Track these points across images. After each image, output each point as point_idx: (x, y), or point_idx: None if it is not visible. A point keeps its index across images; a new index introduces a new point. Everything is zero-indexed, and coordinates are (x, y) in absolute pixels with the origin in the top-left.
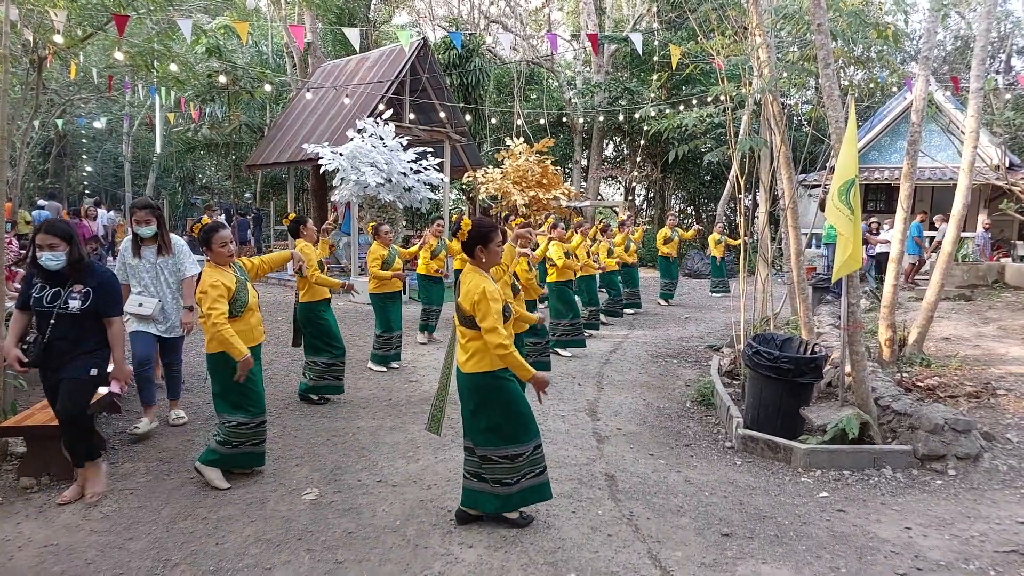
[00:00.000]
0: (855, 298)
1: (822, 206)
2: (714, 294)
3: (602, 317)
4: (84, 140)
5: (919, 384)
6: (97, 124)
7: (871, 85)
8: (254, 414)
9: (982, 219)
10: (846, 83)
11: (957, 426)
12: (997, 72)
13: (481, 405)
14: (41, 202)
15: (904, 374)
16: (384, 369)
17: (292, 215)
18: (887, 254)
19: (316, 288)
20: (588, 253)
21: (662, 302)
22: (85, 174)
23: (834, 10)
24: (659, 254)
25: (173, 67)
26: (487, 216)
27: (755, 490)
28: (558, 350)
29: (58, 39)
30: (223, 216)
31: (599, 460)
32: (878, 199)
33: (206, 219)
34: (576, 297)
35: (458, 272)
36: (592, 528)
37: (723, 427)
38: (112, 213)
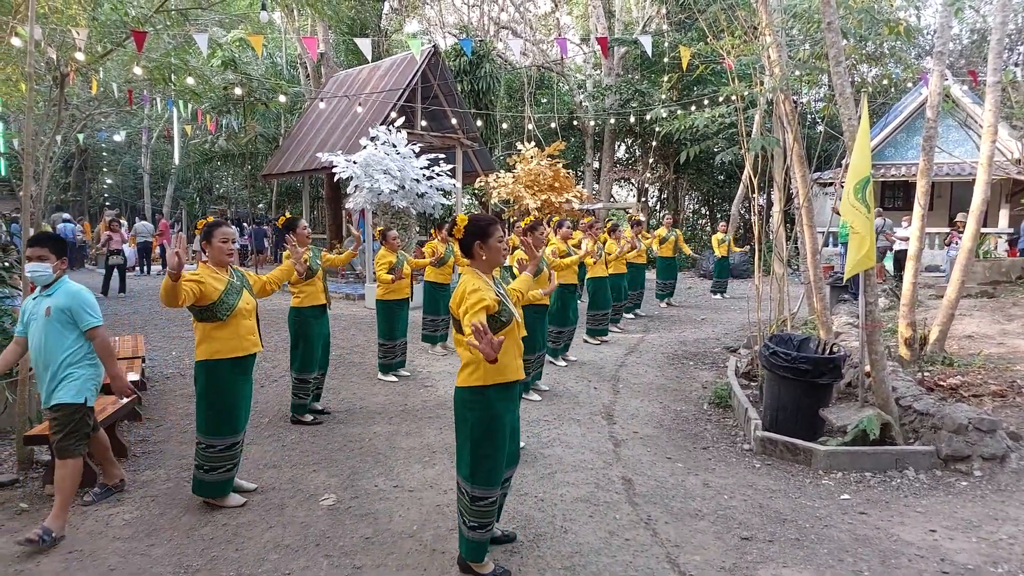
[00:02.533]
0: (873, 296)
1: (837, 211)
2: (713, 295)
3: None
4: (104, 153)
5: (941, 383)
6: (117, 137)
7: (884, 81)
8: (224, 434)
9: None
10: (859, 80)
11: (982, 426)
12: (1016, 65)
13: (457, 422)
14: (65, 216)
15: (926, 373)
16: (395, 379)
17: (285, 216)
18: (906, 251)
19: (309, 292)
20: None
21: (661, 304)
22: (106, 186)
23: (844, 8)
24: (657, 255)
25: (190, 80)
26: (498, 219)
27: (775, 493)
28: (551, 359)
29: (80, 56)
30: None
31: (616, 464)
32: (895, 196)
33: (210, 217)
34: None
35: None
36: (610, 532)
37: (741, 429)
38: (141, 224)
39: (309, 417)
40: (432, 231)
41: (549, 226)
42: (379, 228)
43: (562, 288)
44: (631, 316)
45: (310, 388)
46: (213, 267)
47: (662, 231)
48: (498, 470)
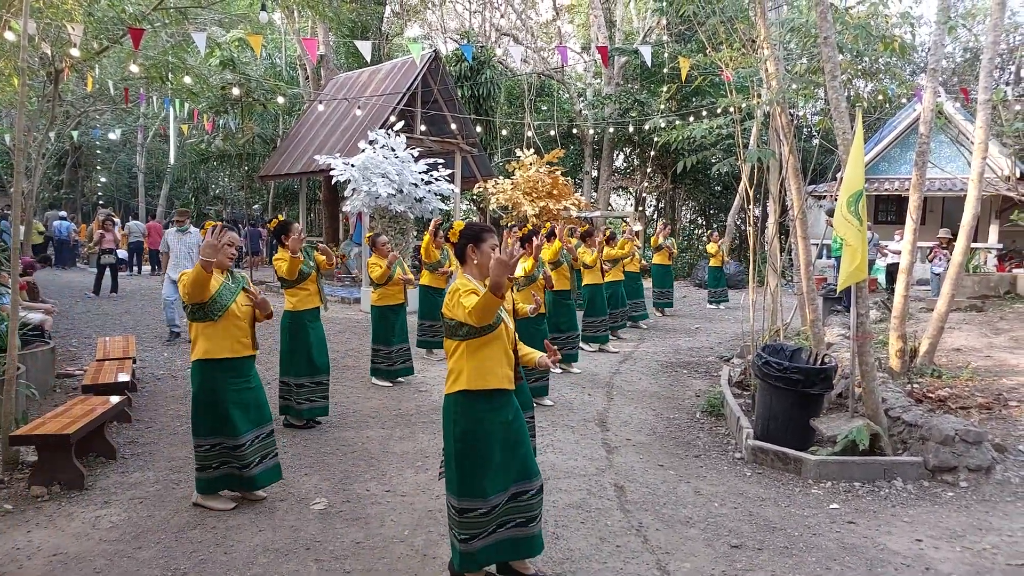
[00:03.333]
0: (865, 309)
1: (830, 214)
2: (710, 305)
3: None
4: (99, 151)
5: (930, 395)
6: (112, 135)
7: (879, 97)
8: (214, 435)
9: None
10: (854, 95)
11: (968, 437)
12: (1007, 84)
13: (443, 431)
14: (61, 213)
15: (915, 385)
16: (390, 384)
17: (278, 219)
18: (898, 264)
19: (303, 296)
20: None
21: (656, 312)
22: (99, 185)
23: (841, 23)
24: (651, 262)
25: (187, 79)
26: (497, 226)
27: (765, 501)
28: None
29: (75, 52)
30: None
31: (608, 470)
32: (888, 210)
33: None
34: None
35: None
36: (601, 539)
37: (733, 438)
38: (133, 223)
39: (298, 422)
40: (426, 233)
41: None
42: (368, 235)
43: (555, 295)
44: (630, 325)
45: (317, 391)
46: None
47: (657, 239)
48: (484, 481)
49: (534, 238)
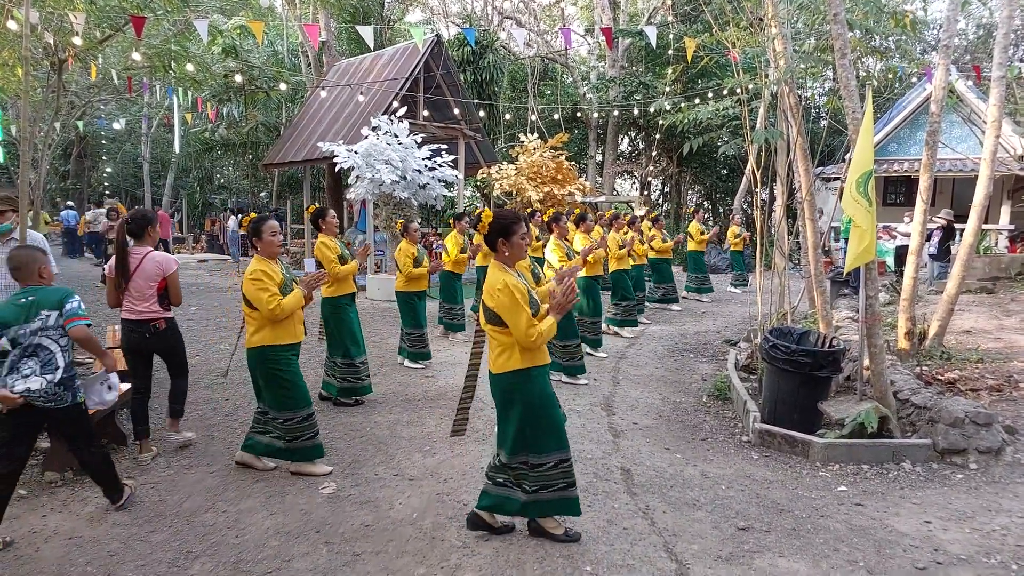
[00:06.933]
0: (873, 291)
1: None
2: (733, 288)
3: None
4: (104, 141)
5: (939, 377)
6: (116, 125)
7: (890, 75)
8: (296, 408)
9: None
10: (864, 73)
11: (978, 419)
12: (1021, 60)
13: (506, 406)
14: (69, 203)
15: (924, 367)
16: (423, 366)
17: (314, 206)
18: (907, 247)
19: (341, 282)
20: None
21: (692, 295)
22: (105, 175)
23: None
24: (688, 249)
25: (190, 67)
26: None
27: (772, 484)
28: (590, 351)
29: (77, 41)
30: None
31: (615, 454)
32: (898, 191)
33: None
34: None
35: (480, 269)
36: (608, 521)
37: (740, 421)
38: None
39: (347, 400)
40: (451, 221)
41: (570, 219)
42: (400, 221)
43: (589, 279)
44: (677, 308)
45: (360, 371)
46: (266, 260)
47: (696, 225)
48: (563, 433)
49: (556, 224)
